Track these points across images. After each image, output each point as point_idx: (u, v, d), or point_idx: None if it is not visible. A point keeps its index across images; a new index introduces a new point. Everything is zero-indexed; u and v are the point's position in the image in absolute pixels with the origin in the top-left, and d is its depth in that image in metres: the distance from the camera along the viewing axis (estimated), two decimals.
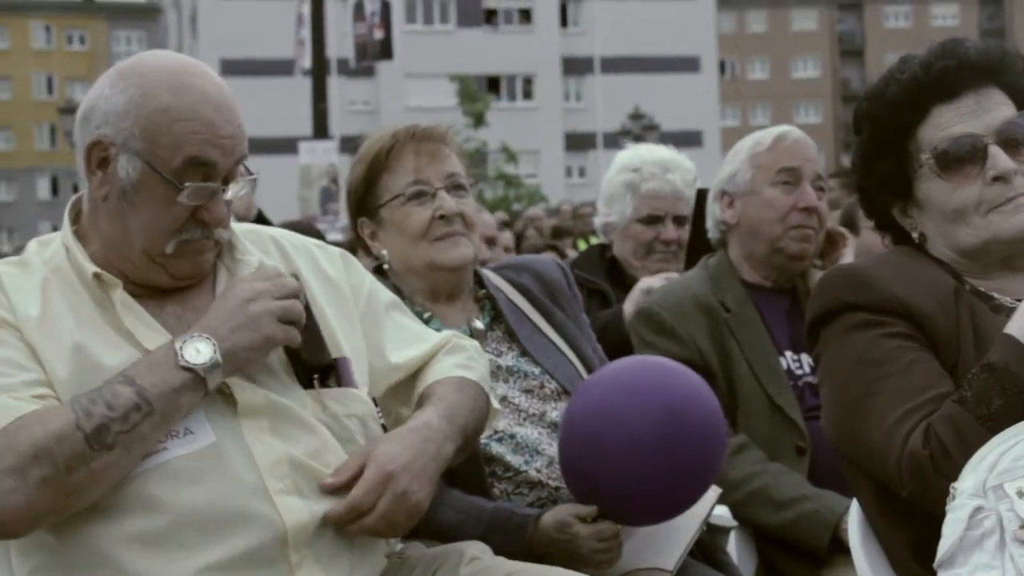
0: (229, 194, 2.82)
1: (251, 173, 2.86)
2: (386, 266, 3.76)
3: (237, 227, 3.02)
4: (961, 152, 2.84)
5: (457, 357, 3.10)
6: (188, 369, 2.66)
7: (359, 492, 2.71)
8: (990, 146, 2.83)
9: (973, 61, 2.87)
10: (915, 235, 2.96)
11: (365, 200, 3.76)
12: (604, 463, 3.28)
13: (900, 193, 2.95)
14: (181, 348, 2.66)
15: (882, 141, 2.93)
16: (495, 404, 3.15)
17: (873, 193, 3.00)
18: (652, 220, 5.25)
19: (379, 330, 3.07)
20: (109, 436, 2.60)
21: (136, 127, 2.75)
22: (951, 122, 2.85)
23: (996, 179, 2.82)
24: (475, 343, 3.20)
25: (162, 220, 2.79)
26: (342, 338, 2.96)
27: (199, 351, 2.66)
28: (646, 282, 4.88)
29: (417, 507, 2.76)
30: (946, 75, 2.86)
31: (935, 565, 2.41)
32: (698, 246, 4.84)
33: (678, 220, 5.25)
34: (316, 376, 2.86)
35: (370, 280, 3.16)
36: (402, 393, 3.06)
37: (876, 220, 3.06)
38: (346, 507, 2.71)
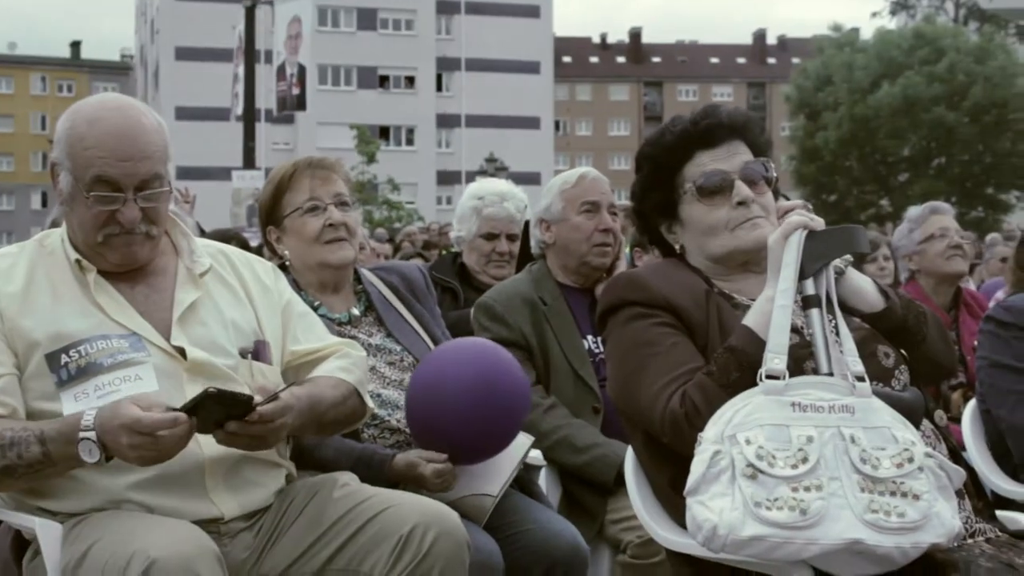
0: (141, 202, 2.80)
1: (168, 187, 2.84)
2: (288, 264, 3.72)
3: (201, 242, 3.04)
4: (715, 183, 2.86)
5: (342, 362, 3.06)
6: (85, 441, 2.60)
7: (268, 408, 2.67)
8: (736, 181, 2.87)
9: (726, 121, 2.91)
10: (677, 247, 2.98)
11: (272, 213, 3.72)
12: (437, 415, 3.29)
13: (667, 215, 2.96)
14: (81, 436, 2.58)
15: (656, 176, 2.94)
16: (370, 404, 3.10)
17: (647, 216, 3.01)
18: (491, 236, 5.24)
19: (291, 326, 3.05)
20: (15, 474, 2.62)
21: (66, 151, 2.78)
22: (709, 163, 2.88)
23: (740, 204, 2.85)
24: (362, 354, 3.16)
25: (87, 220, 2.80)
26: (267, 327, 2.96)
27: (91, 451, 2.58)
28: None
29: (269, 445, 2.74)
30: (708, 129, 2.90)
31: (685, 493, 2.44)
32: (524, 257, 4.85)
33: (511, 237, 5.25)
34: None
35: (291, 291, 3.15)
36: (293, 374, 3.03)
37: (648, 236, 3.08)
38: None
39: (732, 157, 2.89)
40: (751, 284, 2.85)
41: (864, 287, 2.87)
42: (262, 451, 2.81)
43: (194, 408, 2.55)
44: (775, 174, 2.94)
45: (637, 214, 3.04)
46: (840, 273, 2.82)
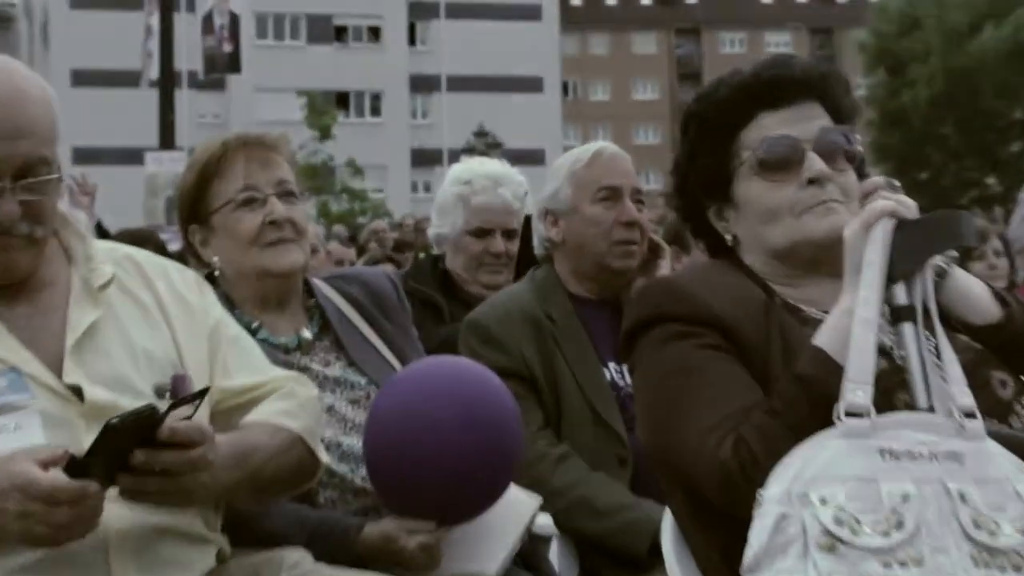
0: (21, 193, 2.77)
1: (57, 174, 2.82)
2: (217, 273, 3.72)
3: (102, 245, 3.03)
4: (780, 152, 2.87)
5: (285, 403, 3.05)
6: None
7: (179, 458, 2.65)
8: (808, 152, 2.87)
9: (799, 76, 2.92)
10: (728, 237, 2.99)
11: (196, 207, 3.72)
12: (400, 456, 3.28)
13: (717, 193, 2.97)
14: None
15: (706, 139, 2.96)
16: (323, 456, 3.10)
17: (692, 193, 3.01)
18: (482, 233, 5.24)
19: (220, 354, 3.05)
20: None
21: None
22: (774, 126, 2.89)
23: (811, 182, 2.86)
24: (312, 393, 3.15)
25: None
26: (189, 356, 2.96)
27: None
28: None
29: (189, 496, 2.72)
30: (774, 84, 2.91)
31: (742, 570, 2.41)
32: (525, 259, 4.84)
33: (507, 233, 5.25)
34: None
35: (221, 310, 3.15)
36: (223, 420, 3.00)
37: (692, 224, 3.08)
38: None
39: (805, 121, 2.91)
40: (825, 291, 2.84)
41: (975, 291, 2.86)
42: (184, 519, 2.79)
43: (94, 455, 2.52)
44: (860, 148, 2.95)
45: (679, 192, 3.04)
46: (942, 274, 2.81)
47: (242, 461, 2.85)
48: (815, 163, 2.87)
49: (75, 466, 2.53)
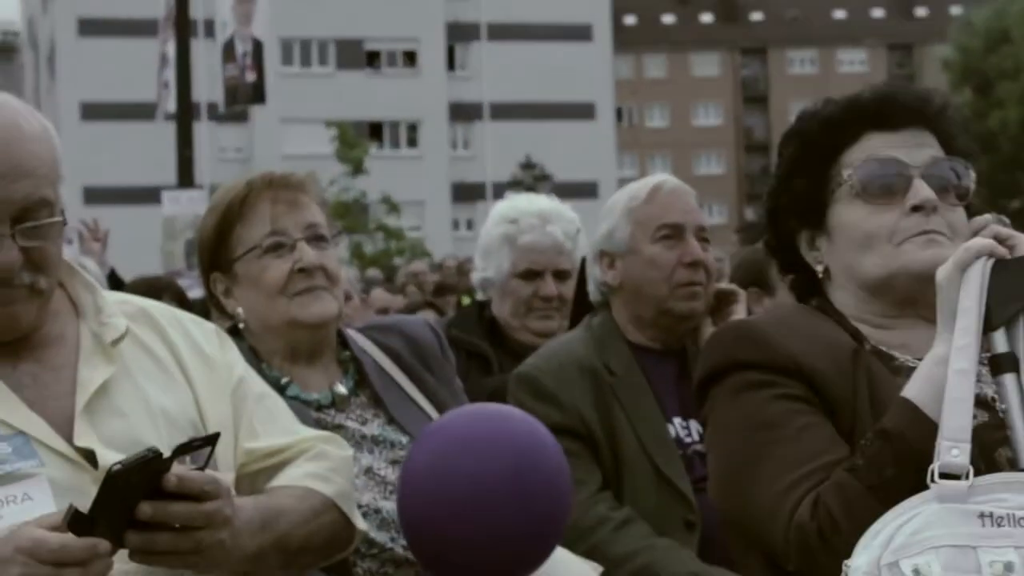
0: (21, 239, 2.77)
1: (60, 217, 2.82)
2: (241, 325, 3.73)
3: (114, 297, 3.03)
4: (885, 175, 2.89)
5: (315, 466, 3.05)
6: None
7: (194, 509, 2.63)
8: (915, 178, 2.88)
9: (915, 100, 2.95)
10: (819, 269, 2.98)
11: (218, 253, 3.74)
12: (435, 519, 3.25)
13: (811, 219, 2.97)
14: None
15: (807, 158, 2.97)
16: (359, 524, 3.10)
17: (783, 216, 3.02)
18: (531, 275, 5.23)
19: (245, 414, 3.05)
20: None
21: None
22: (881, 148, 2.91)
23: (916, 209, 2.86)
24: (346, 454, 3.15)
25: None
26: (211, 417, 2.96)
27: None
28: None
29: (208, 557, 2.70)
30: (887, 104, 2.94)
31: None
32: (581, 306, 4.82)
33: (559, 275, 5.24)
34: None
35: (244, 365, 3.15)
36: (248, 484, 3.01)
37: (780, 255, 3.07)
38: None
39: (916, 148, 2.92)
40: (921, 336, 2.82)
41: None
42: None
43: (99, 509, 2.51)
44: (973, 184, 2.95)
45: (770, 218, 3.04)
46: None
47: (267, 525, 2.85)
48: (922, 190, 2.87)
49: (80, 522, 2.52)
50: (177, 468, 2.59)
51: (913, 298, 2.87)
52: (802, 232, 3.00)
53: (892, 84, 2.99)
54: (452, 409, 3.75)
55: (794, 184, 2.98)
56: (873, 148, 2.92)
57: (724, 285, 4.62)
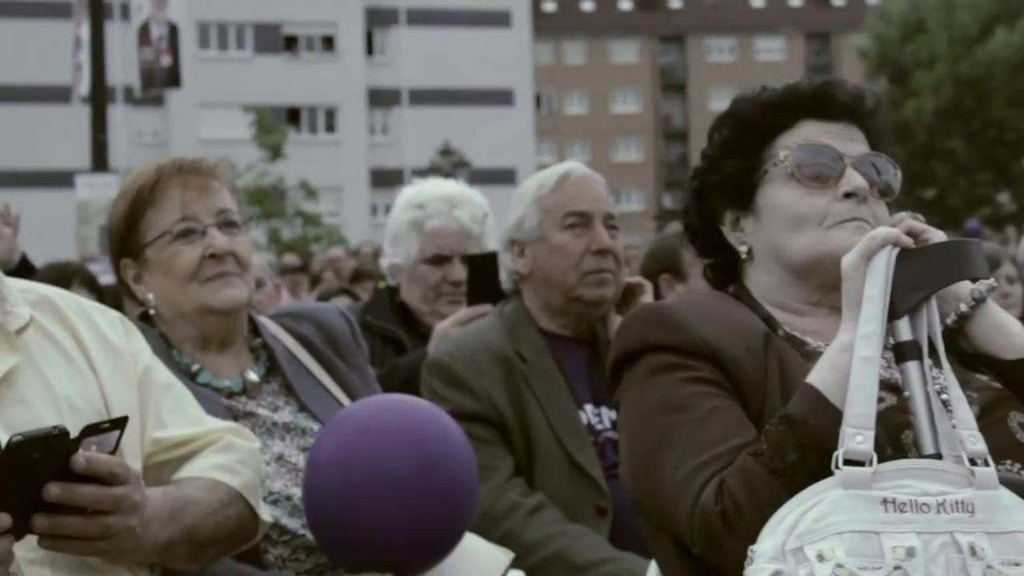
0: None
1: None
2: (152, 312, 3.72)
3: (16, 284, 3.01)
4: (820, 160, 2.92)
5: (222, 457, 3.05)
6: None
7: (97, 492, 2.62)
8: (848, 167, 2.92)
9: (850, 97, 2.99)
10: (743, 249, 2.99)
11: (128, 239, 3.72)
12: (340, 504, 3.28)
13: (738, 199, 2.99)
14: None
15: (740, 139, 2.99)
16: (264, 516, 3.11)
17: (710, 196, 3.03)
18: (439, 260, 5.23)
19: (153, 403, 3.05)
20: None
21: None
22: (816, 135, 2.95)
23: (848, 195, 2.89)
24: (253, 446, 3.15)
25: None
26: (117, 405, 2.95)
27: None
28: (447, 327, 4.81)
29: (117, 543, 2.69)
30: (825, 96, 2.97)
31: None
32: (492, 293, 4.80)
33: (466, 259, 5.24)
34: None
35: (150, 354, 3.14)
36: (155, 475, 2.99)
37: (701, 237, 3.08)
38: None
39: (848, 141, 2.96)
40: (834, 324, 2.82)
41: (1007, 324, 2.87)
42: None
43: (2, 486, 2.49)
44: (899, 184, 3.00)
45: (696, 195, 3.06)
46: (979, 301, 2.82)
47: (176, 515, 2.85)
48: (855, 178, 2.91)
49: None
50: (86, 451, 2.58)
51: (835, 283, 2.86)
52: (727, 212, 3.02)
53: (831, 78, 3.02)
54: (363, 396, 3.76)
55: (726, 164, 3.00)
56: (808, 134, 2.95)
57: (631, 278, 4.63)
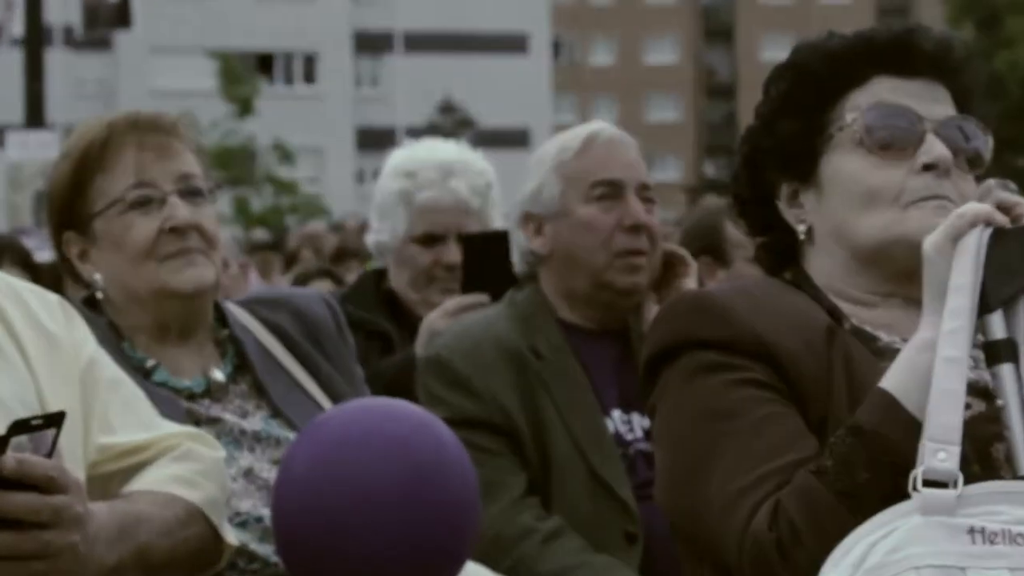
0: None
1: None
2: (100, 295, 3.73)
3: None
4: (897, 125, 2.91)
5: (180, 468, 3.07)
6: None
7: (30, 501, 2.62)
8: (928, 132, 2.91)
9: (933, 48, 2.97)
10: (801, 228, 2.99)
11: (72, 208, 3.72)
12: (316, 534, 3.28)
13: (797, 169, 2.98)
14: None
15: (801, 96, 2.97)
16: (230, 539, 3.12)
17: (763, 164, 3.02)
18: (430, 240, 5.21)
19: (98, 402, 3.06)
20: None
21: None
22: (892, 94, 2.94)
23: (927, 168, 2.88)
24: (217, 455, 3.17)
25: None
26: (51, 401, 2.95)
27: None
28: (434, 320, 4.82)
29: (57, 566, 2.68)
30: (903, 47, 2.96)
31: None
32: (502, 278, 4.80)
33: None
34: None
35: (95, 345, 3.15)
36: (100, 487, 2.99)
37: (753, 213, 3.09)
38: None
39: (930, 102, 2.95)
40: (911, 317, 2.83)
41: None
42: None
43: None
44: (990, 153, 2.98)
45: (747, 162, 3.05)
46: None
47: (127, 534, 2.85)
48: (936, 147, 2.90)
49: None
50: (14, 452, 2.57)
51: (911, 272, 2.86)
52: (784, 184, 3.01)
53: (911, 25, 3.00)
54: (348, 400, 3.77)
55: (782, 126, 2.99)
56: (883, 92, 2.94)
57: (670, 246, 4.62)
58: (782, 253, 3.05)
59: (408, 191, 5.21)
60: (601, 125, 4.57)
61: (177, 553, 2.98)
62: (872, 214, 2.90)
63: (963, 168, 2.94)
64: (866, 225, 2.91)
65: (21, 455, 2.58)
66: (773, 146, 3.01)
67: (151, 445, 3.09)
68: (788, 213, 3.01)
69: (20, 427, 2.59)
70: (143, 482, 3.02)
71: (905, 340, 2.76)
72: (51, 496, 2.62)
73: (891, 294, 2.93)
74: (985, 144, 2.98)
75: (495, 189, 5.24)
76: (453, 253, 5.15)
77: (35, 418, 2.64)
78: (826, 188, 2.96)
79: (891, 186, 2.89)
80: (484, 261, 4.78)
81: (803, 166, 2.98)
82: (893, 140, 2.91)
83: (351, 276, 10.40)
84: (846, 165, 2.94)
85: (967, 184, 2.94)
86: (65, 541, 2.66)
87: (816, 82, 2.98)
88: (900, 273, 2.90)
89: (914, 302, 2.83)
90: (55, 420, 2.66)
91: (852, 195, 2.92)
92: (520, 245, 4.55)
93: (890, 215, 2.89)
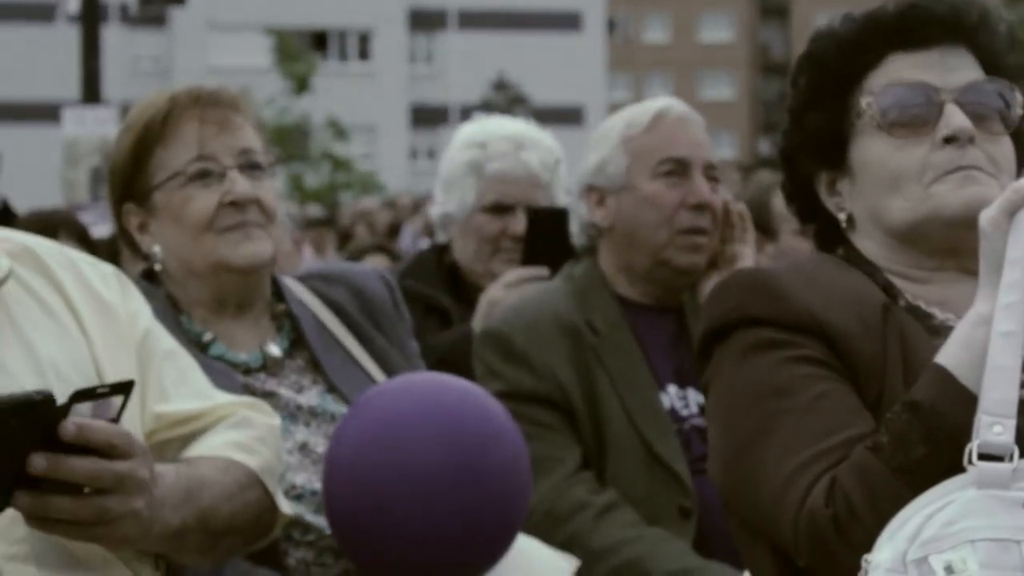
0: None
1: None
2: (158, 267, 3.74)
3: None
4: (911, 102, 2.89)
5: (239, 434, 3.07)
6: None
7: (85, 465, 2.62)
8: (947, 103, 2.88)
9: (946, 12, 2.94)
10: (842, 217, 2.98)
11: (133, 180, 3.74)
12: (366, 511, 3.33)
13: (830, 159, 2.98)
14: None
15: (821, 88, 2.97)
16: (284, 507, 3.12)
17: (799, 157, 3.02)
18: (499, 209, 5.19)
19: (154, 372, 3.06)
20: None
21: None
22: (907, 71, 2.91)
23: (948, 140, 2.86)
24: (273, 422, 3.17)
25: None
26: (109, 370, 2.95)
27: None
28: (494, 292, 4.82)
29: (120, 531, 2.70)
30: (912, 19, 2.93)
31: None
32: (558, 252, 4.81)
33: None
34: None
35: (150, 315, 3.15)
36: (156, 455, 2.95)
37: (799, 203, 3.08)
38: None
39: (948, 70, 2.92)
40: (965, 292, 2.82)
41: None
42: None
43: None
44: (1020, 109, 2.95)
45: (785, 158, 3.05)
46: None
47: (192, 497, 2.86)
48: (955, 117, 2.87)
49: None
50: (79, 420, 2.58)
51: (952, 247, 2.87)
52: (821, 174, 3.00)
53: None
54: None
55: (810, 118, 2.98)
56: (898, 71, 2.92)
57: (732, 202, 4.59)
58: (833, 236, 3.04)
59: (479, 161, 5.22)
60: (670, 102, 4.55)
61: (236, 518, 2.99)
62: (899, 196, 2.89)
63: (993, 131, 2.90)
64: (895, 208, 2.89)
65: (82, 420, 2.59)
66: (805, 140, 3.00)
67: (207, 413, 3.09)
68: (828, 202, 3.00)
69: (83, 395, 2.60)
70: (201, 448, 3.02)
71: (960, 317, 2.75)
72: (113, 462, 2.63)
73: (939, 268, 2.92)
74: (1015, 101, 2.94)
75: (562, 166, 5.25)
76: (521, 224, 5.14)
77: (100, 387, 2.65)
78: (857, 174, 2.95)
79: (913, 165, 2.88)
80: (546, 237, 4.78)
81: (835, 155, 2.97)
82: (910, 119, 2.89)
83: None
84: (871, 150, 2.93)
85: (999, 146, 2.91)
86: (127, 507, 2.67)
87: (833, 71, 2.96)
88: (939, 250, 2.89)
89: (968, 273, 2.81)
90: (123, 388, 2.66)
91: (879, 179, 2.91)
92: (581, 217, 4.54)
93: (916, 195, 2.87)
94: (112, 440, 2.63)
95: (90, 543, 2.74)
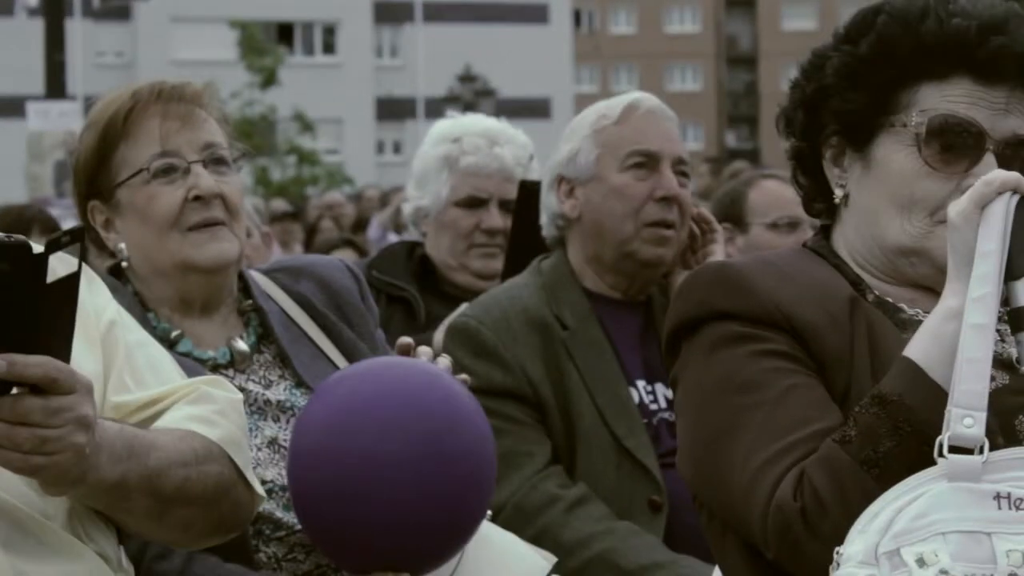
0: None
1: None
2: (124, 264, 3.73)
3: None
4: (958, 141, 2.85)
5: (197, 408, 3.05)
6: None
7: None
8: (988, 152, 2.86)
9: (1021, 54, 2.87)
10: (838, 192, 2.97)
11: (97, 177, 3.73)
12: (327, 492, 3.30)
13: (853, 136, 2.95)
14: None
15: (876, 71, 2.91)
16: (258, 488, 3.10)
17: (823, 113, 2.97)
18: (473, 203, 5.25)
19: (117, 365, 3.06)
20: None
21: None
22: (963, 100, 2.87)
23: None
24: (233, 397, 3.15)
25: None
26: (74, 364, 2.88)
27: None
28: None
29: (57, 467, 2.68)
30: (996, 52, 2.86)
31: None
32: (527, 246, 4.81)
33: (505, 205, 5.24)
34: None
35: (116, 308, 3.15)
36: None
37: (799, 156, 3.05)
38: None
39: (1006, 115, 2.88)
40: (933, 295, 2.82)
41: None
42: (52, 509, 2.80)
43: None
44: None
45: (806, 105, 3.00)
46: None
47: (135, 454, 2.84)
48: (989, 166, 2.82)
49: None
50: (10, 356, 2.55)
51: (926, 282, 2.88)
52: (834, 138, 2.97)
53: (1008, 22, 2.88)
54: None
55: (850, 96, 2.93)
56: (956, 98, 2.87)
57: (700, 210, 4.61)
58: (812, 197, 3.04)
59: (453, 155, 5.25)
60: (642, 95, 4.57)
61: (191, 486, 2.96)
62: (905, 219, 2.88)
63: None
64: (896, 227, 2.88)
65: (14, 356, 2.56)
66: (838, 101, 2.94)
67: (167, 395, 3.08)
68: (830, 171, 2.98)
69: (53, 245, 2.57)
70: (160, 425, 3.00)
71: (928, 312, 2.76)
72: (49, 397, 2.60)
73: (912, 295, 2.91)
74: None
75: (535, 162, 5.26)
76: (494, 218, 5.19)
77: (63, 234, 2.60)
78: (873, 168, 2.93)
79: (933, 199, 2.85)
80: (536, 209, 4.77)
81: (859, 135, 2.94)
82: (950, 154, 2.86)
83: (371, 245, 10.43)
84: (898, 160, 2.90)
85: None
86: (67, 441, 2.64)
87: (897, 61, 2.90)
88: (915, 280, 2.90)
89: (934, 293, 2.81)
90: (76, 235, 2.61)
91: (894, 193, 2.89)
92: (550, 208, 4.54)
93: (921, 227, 2.86)
94: (50, 375, 2.60)
95: (27, 476, 2.72)
